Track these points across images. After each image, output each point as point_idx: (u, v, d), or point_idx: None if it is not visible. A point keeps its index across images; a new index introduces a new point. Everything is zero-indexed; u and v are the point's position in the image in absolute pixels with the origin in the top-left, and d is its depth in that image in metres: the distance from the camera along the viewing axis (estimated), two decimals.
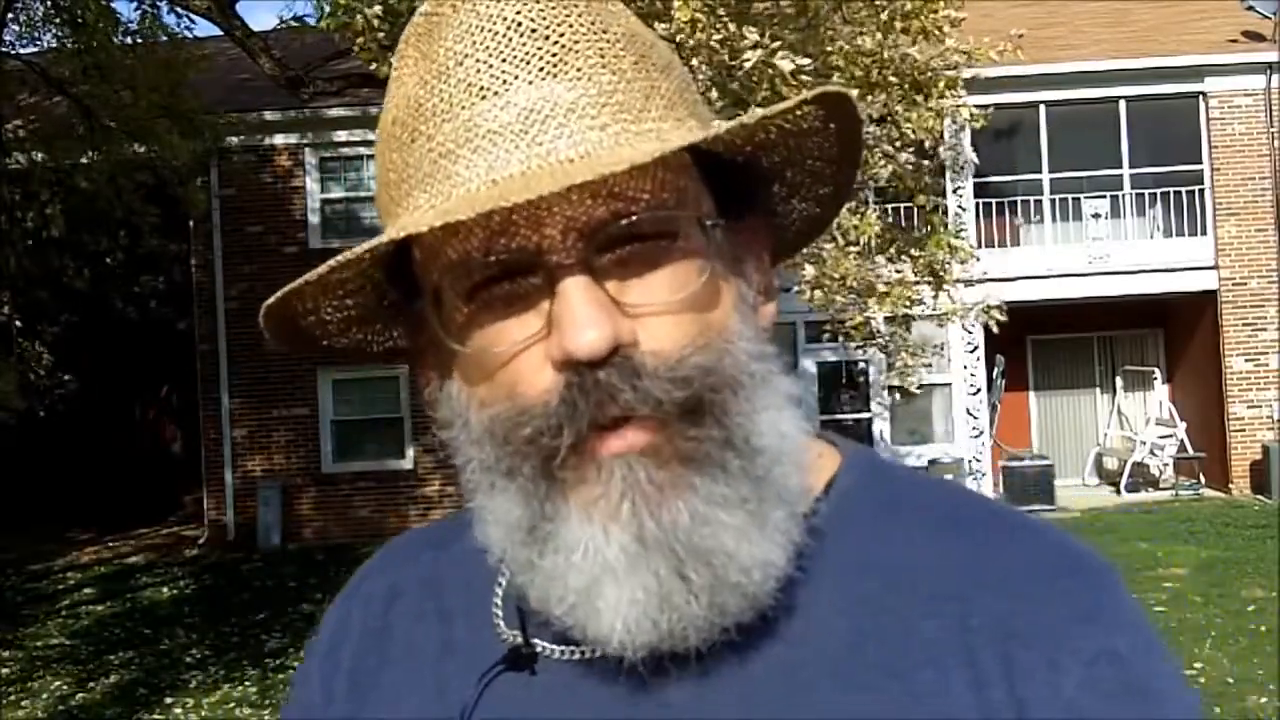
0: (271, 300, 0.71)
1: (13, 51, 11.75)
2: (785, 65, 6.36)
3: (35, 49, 12.26)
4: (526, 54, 0.67)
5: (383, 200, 0.73)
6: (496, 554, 0.71)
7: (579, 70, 0.67)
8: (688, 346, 0.66)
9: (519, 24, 0.68)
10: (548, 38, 0.67)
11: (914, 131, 7.73)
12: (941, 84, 7.87)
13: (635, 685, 0.69)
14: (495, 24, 0.68)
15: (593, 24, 0.69)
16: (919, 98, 7.75)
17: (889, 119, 7.74)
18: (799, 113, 0.70)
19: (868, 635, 0.69)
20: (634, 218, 0.66)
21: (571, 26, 0.68)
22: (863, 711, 0.67)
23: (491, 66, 0.67)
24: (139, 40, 11.75)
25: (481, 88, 0.67)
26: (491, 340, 0.68)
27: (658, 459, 0.66)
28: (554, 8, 0.68)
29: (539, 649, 0.73)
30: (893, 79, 7.63)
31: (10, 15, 11.35)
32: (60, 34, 11.89)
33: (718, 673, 0.69)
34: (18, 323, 10.55)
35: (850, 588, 0.71)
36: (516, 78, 0.67)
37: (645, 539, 0.65)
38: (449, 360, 0.72)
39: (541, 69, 0.67)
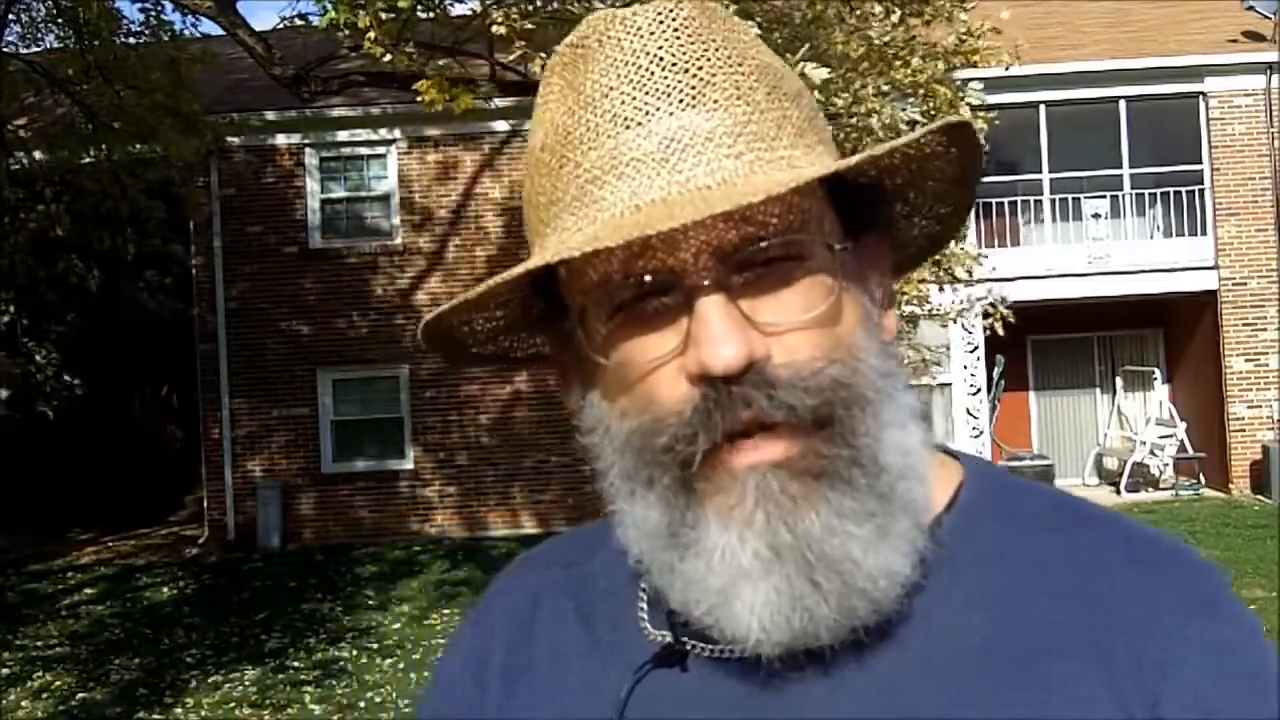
0: (430, 318, 0.77)
1: (15, 52, 11.76)
2: (820, 74, 6.34)
3: (37, 49, 12.27)
4: (668, 87, 0.72)
5: (532, 221, 0.78)
6: (634, 555, 0.76)
7: (715, 102, 0.72)
8: (820, 361, 0.71)
9: (660, 59, 0.73)
10: (687, 70, 0.72)
11: (934, 104, 7.66)
12: (961, 58, 7.82)
13: (779, 681, 0.73)
14: (639, 58, 0.73)
15: (729, 58, 0.74)
16: (936, 72, 7.69)
17: (913, 90, 7.70)
18: (923, 140, 0.73)
19: (1003, 629, 0.73)
20: (766, 241, 0.70)
21: (710, 60, 0.73)
22: (1003, 702, 0.70)
23: (635, 98, 0.72)
24: (142, 39, 11.75)
25: (626, 118, 0.72)
26: (631, 356, 0.72)
27: (790, 471, 0.70)
28: (693, 43, 0.73)
29: (689, 646, 0.77)
30: (910, 58, 7.60)
31: (11, 16, 11.36)
32: (62, 34, 11.90)
33: (861, 669, 0.72)
34: (24, 321, 10.54)
35: (983, 585, 0.75)
36: (658, 109, 0.72)
37: (779, 547, 0.69)
38: (592, 373, 0.77)
39: (681, 101, 0.72)
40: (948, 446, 0.86)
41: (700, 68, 0.72)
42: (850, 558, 0.69)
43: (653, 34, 0.73)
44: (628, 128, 0.71)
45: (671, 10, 0.74)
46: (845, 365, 0.71)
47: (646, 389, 0.72)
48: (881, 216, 0.80)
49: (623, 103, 0.72)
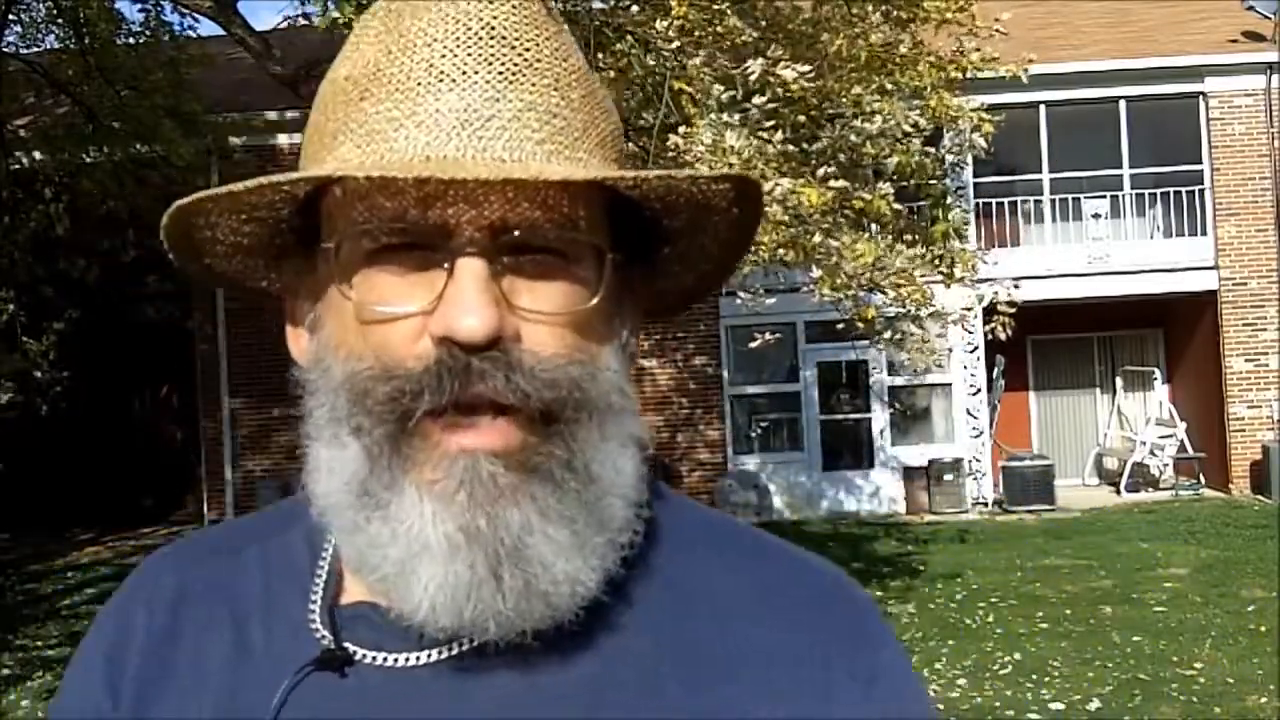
0: (186, 200, 0.72)
1: (14, 52, 11.76)
2: (788, 74, 6.39)
3: (37, 50, 12.27)
4: (491, 56, 0.71)
5: (312, 145, 0.76)
6: (320, 507, 0.74)
7: (533, 85, 0.72)
8: (563, 358, 0.70)
9: (492, 28, 0.72)
10: (514, 47, 0.72)
11: (935, 112, 7.66)
12: (968, 60, 7.81)
13: (443, 692, 0.72)
14: (471, 21, 0.72)
15: (557, 50, 0.74)
16: (940, 81, 7.69)
17: (916, 95, 7.68)
18: (714, 188, 0.74)
19: (668, 653, 0.74)
20: (546, 228, 0.69)
21: (538, 45, 0.73)
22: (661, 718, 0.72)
23: (457, 56, 0.71)
24: (142, 40, 11.76)
25: (442, 72, 0.70)
26: (379, 298, 0.70)
27: (505, 461, 0.68)
28: (528, 25, 0.73)
29: (353, 653, 0.74)
30: (914, 67, 7.60)
31: (11, 16, 11.36)
32: (62, 35, 11.90)
33: (528, 683, 0.72)
34: (22, 318, 10.55)
35: (655, 609, 0.76)
36: (477, 73, 0.70)
37: (470, 531, 0.68)
38: (329, 307, 0.75)
39: (501, 73, 0.71)
40: None
41: (528, 49, 0.72)
42: (541, 559, 0.68)
43: (491, 2, 0.72)
44: (440, 81, 0.70)
45: None
46: (586, 369, 0.71)
47: (382, 336, 0.70)
48: (651, 255, 0.80)
49: (443, 56, 0.70)
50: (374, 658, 0.74)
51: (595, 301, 0.72)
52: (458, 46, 0.71)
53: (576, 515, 0.70)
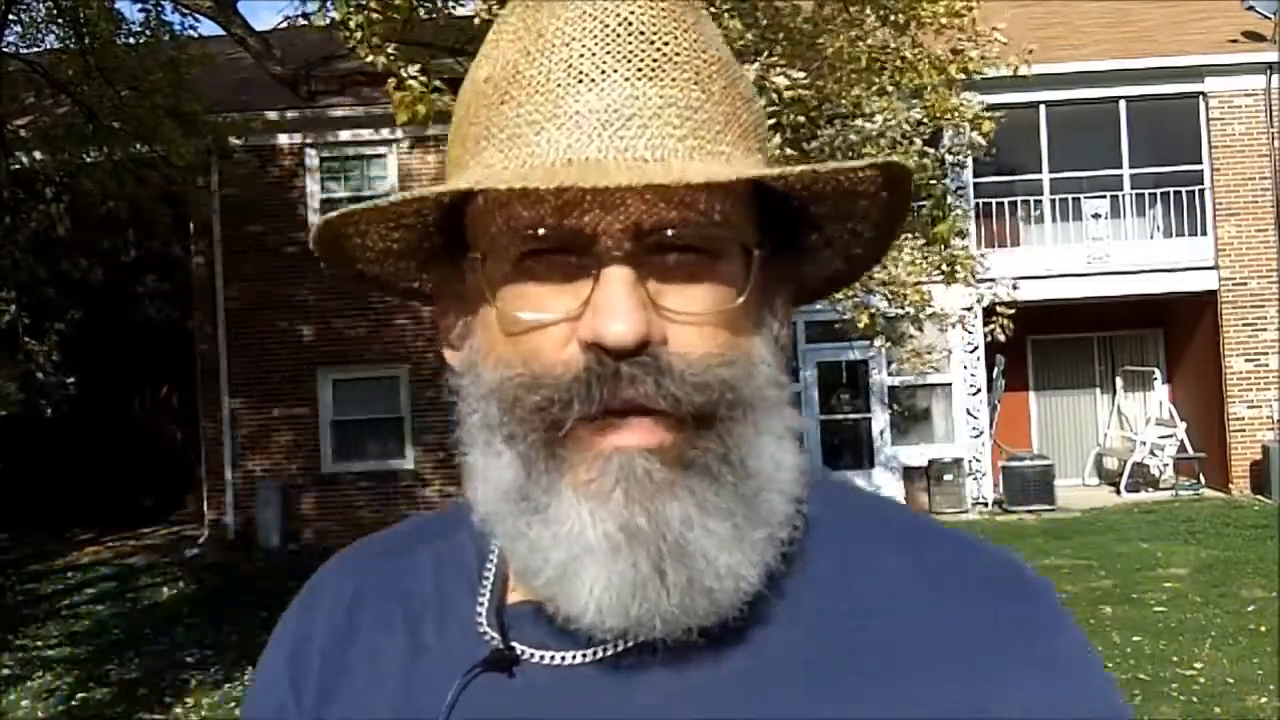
0: (334, 214, 0.74)
1: (14, 52, 11.76)
2: (781, 81, 6.40)
3: (37, 50, 12.27)
4: (630, 52, 0.70)
5: (455, 151, 0.77)
6: (481, 513, 0.74)
7: (673, 80, 0.71)
8: (714, 358, 0.69)
9: (629, 23, 0.71)
10: (652, 43, 0.71)
11: (934, 111, 7.65)
12: (968, 60, 7.79)
13: (609, 689, 0.72)
14: (608, 18, 0.71)
15: (695, 41, 0.73)
16: (938, 80, 7.69)
17: (915, 95, 7.68)
18: (860, 174, 0.73)
19: (824, 646, 0.72)
20: (689, 228, 0.69)
21: (676, 39, 0.72)
22: (817, 716, 0.70)
23: (595, 55, 0.70)
24: (142, 40, 11.77)
25: (581, 72, 0.70)
26: (526, 305, 0.70)
27: (660, 457, 0.68)
28: (665, 19, 0.72)
29: (520, 652, 0.75)
30: (914, 68, 7.60)
31: (11, 16, 11.36)
32: (62, 34, 11.91)
33: (687, 679, 0.71)
34: (25, 320, 10.56)
35: (809, 601, 0.74)
36: (615, 71, 0.70)
37: (630, 529, 0.67)
38: (478, 314, 0.75)
39: (640, 70, 0.70)
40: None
41: (666, 43, 0.71)
42: (703, 553, 0.68)
43: None
44: (579, 81, 0.70)
45: None
46: (738, 367, 0.71)
47: (530, 343, 0.70)
48: (798, 241, 0.80)
49: (581, 56, 0.70)
50: (540, 656, 0.74)
51: (742, 299, 0.71)
52: (595, 45, 0.70)
53: (735, 509, 0.69)
